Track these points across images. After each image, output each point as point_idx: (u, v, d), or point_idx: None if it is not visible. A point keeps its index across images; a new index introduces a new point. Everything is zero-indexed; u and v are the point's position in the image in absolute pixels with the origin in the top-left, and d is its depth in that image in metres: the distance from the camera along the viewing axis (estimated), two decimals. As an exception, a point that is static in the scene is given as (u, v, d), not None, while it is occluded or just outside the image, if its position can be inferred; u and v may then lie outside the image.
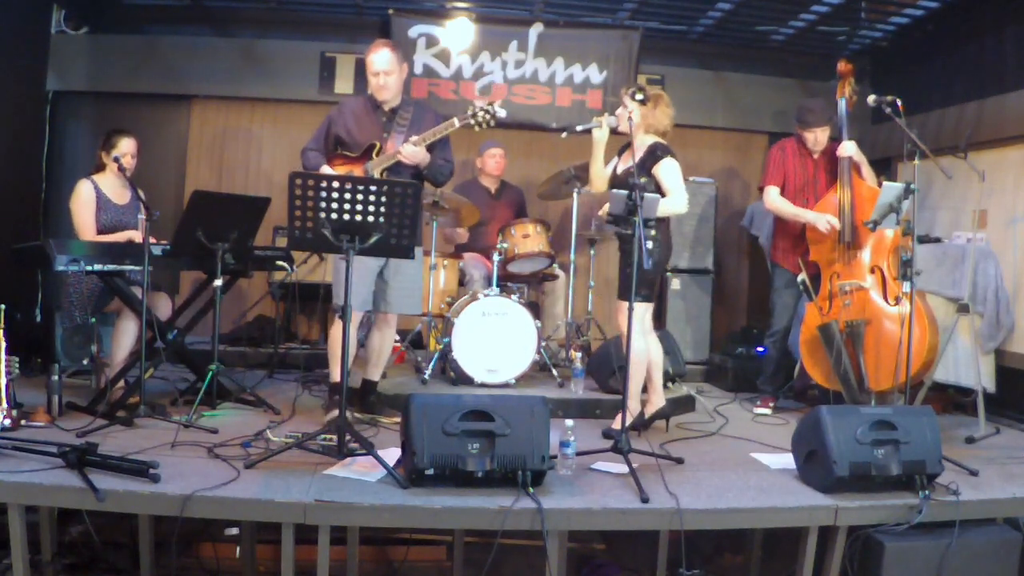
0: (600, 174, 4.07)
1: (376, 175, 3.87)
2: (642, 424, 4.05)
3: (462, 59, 6.22)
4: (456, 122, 3.85)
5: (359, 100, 4.11)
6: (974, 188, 4.44)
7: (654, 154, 3.89)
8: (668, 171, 3.88)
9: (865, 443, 3.08)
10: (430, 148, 3.93)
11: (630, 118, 3.80)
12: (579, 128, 4.06)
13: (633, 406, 3.92)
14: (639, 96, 3.84)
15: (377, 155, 3.94)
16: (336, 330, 3.94)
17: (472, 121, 3.86)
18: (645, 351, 3.91)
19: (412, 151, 3.84)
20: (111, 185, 4.32)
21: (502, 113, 3.89)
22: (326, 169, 3.93)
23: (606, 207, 3.75)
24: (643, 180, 3.80)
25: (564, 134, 4.14)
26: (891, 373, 4.04)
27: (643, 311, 3.89)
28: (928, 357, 4.20)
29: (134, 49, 6.07)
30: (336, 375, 3.99)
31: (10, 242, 3.99)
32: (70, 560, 3.48)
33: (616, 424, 3.94)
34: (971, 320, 4.44)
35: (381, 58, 3.89)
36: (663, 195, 3.84)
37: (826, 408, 3.19)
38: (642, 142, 3.91)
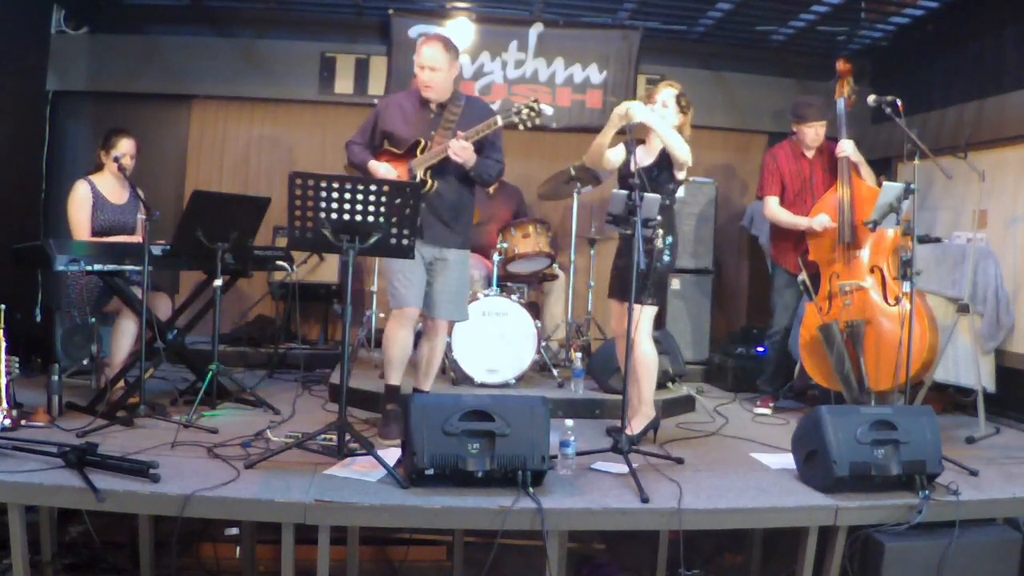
0: (600, 149, 3.85)
1: (420, 173, 3.72)
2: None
3: (462, 59, 6.18)
4: (499, 120, 3.63)
5: (408, 95, 3.91)
6: (974, 188, 4.44)
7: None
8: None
9: (865, 443, 3.08)
10: (479, 148, 3.75)
11: (664, 105, 3.78)
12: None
13: (647, 411, 3.89)
14: (683, 102, 3.83)
15: (422, 152, 3.76)
16: (391, 330, 3.81)
17: (516, 119, 3.62)
18: (653, 354, 3.87)
19: (461, 146, 3.61)
20: (109, 185, 4.32)
21: (548, 111, 3.62)
22: (383, 167, 3.77)
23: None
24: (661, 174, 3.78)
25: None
26: (891, 373, 4.04)
27: (649, 314, 3.82)
28: (928, 357, 4.20)
29: (134, 49, 6.06)
30: (391, 378, 3.85)
31: (10, 242, 3.98)
32: (70, 560, 3.48)
33: (628, 430, 3.90)
34: (971, 320, 4.44)
35: (430, 51, 3.71)
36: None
37: (826, 408, 3.19)
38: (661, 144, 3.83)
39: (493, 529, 2.81)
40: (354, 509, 2.83)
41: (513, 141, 6.17)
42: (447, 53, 3.74)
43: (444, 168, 3.74)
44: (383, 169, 3.76)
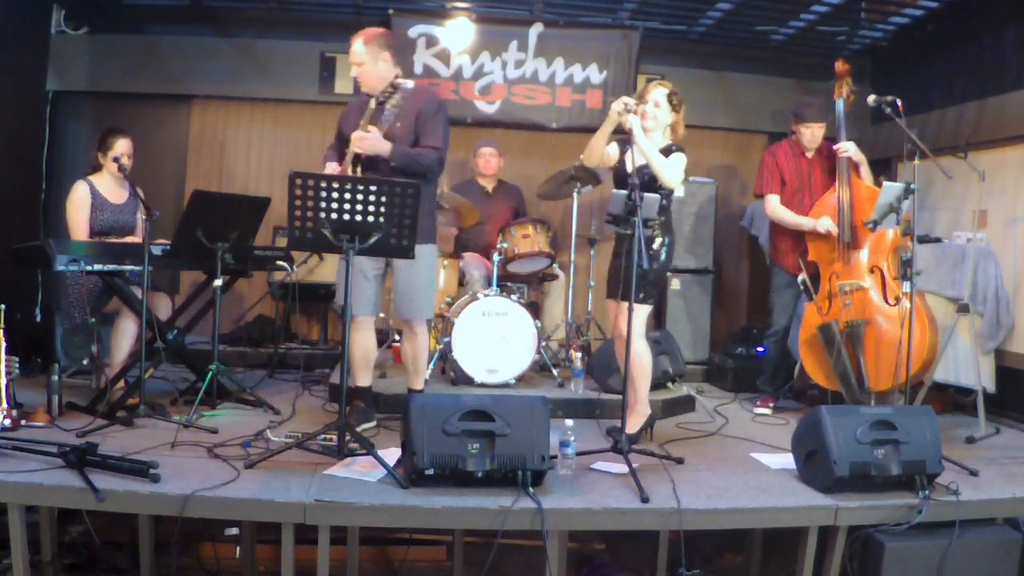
0: (598, 148, 3.82)
1: (349, 169, 3.72)
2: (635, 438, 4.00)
3: (462, 59, 6.22)
4: (373, 103, 3.67)
5: (362, 95, 3.95)
6: (974, 188, 4.44)
7: (669, 151, 3.79)
8: (675, 158, 3.78)
9: (865, 443, 3.08)
10: (415, 137, 3.73)
11: (657, 105, 3.77)
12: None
13: (643, 409, 3.89)
14: (675, 100, 3.82)
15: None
16: (352, 333, 3.85)
17: (383, 98, 3.64)
18: (646, 353, 3.87)
19: (359, 136, 3.63)
20: (107, 185, 4.32)
21: (408, 85, 3.68)
22: (330, 166, 3.84)
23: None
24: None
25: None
26: (891, 373, 4.04)
27: (643, 313, 3.83)
28: (928, 357, 4.20)
29: (134, 49, 6.06)
30: (357, 379, 3.95)
31: (10, 242, 3.99)
32: (70, 560, 3.49)
33: (628, 429, 3.91)
34: (971, 320, 4.44)
35: (353, 47, 3.73)
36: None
37: (826, 408, 3.19)
38: (659, 142, 3.83)
39: (493, 529, 2.81)
40: (354, 509, 2.83)
41: (513, 141, 6.23)
42: (367, 46, 3.71)
43: (374, 163, 3.72)
44: (328, 168, 3.80)
